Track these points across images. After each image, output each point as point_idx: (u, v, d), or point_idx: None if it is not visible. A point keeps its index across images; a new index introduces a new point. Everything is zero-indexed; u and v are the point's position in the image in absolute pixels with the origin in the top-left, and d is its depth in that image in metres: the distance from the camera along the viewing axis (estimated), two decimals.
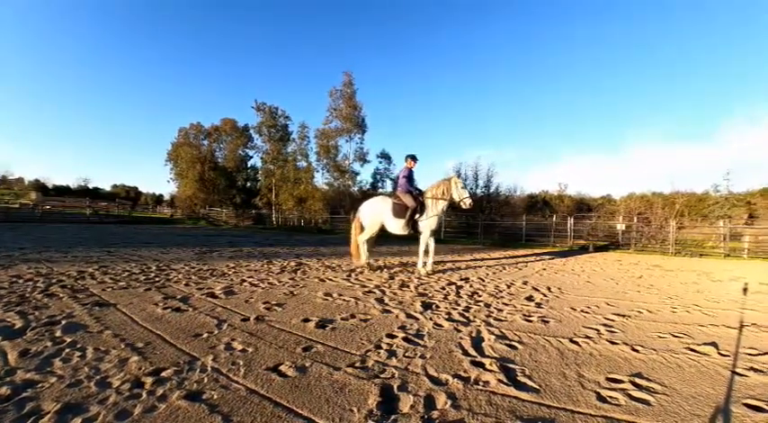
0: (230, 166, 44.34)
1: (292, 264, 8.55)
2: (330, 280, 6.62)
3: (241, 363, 2.86)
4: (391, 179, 39.07)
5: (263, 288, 5.76)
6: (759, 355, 3.49)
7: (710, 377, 2.95)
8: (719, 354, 3.48)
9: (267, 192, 37.57)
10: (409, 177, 8.07)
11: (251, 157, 46.50)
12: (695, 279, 8.52)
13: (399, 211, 7.89)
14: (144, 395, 2.32)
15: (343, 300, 5.15)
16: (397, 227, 7.92)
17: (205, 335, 3.49)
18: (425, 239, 7.91)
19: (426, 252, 8.07)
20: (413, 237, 8.41)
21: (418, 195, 7.96)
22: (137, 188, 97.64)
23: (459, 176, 8.10)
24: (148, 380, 2.52)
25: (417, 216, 7.81)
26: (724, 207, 25.20)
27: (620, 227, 19.84)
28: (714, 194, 26.92)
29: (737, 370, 3.09)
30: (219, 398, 2.33)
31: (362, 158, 35.97)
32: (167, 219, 42.35)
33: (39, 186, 73.67)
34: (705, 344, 3.73)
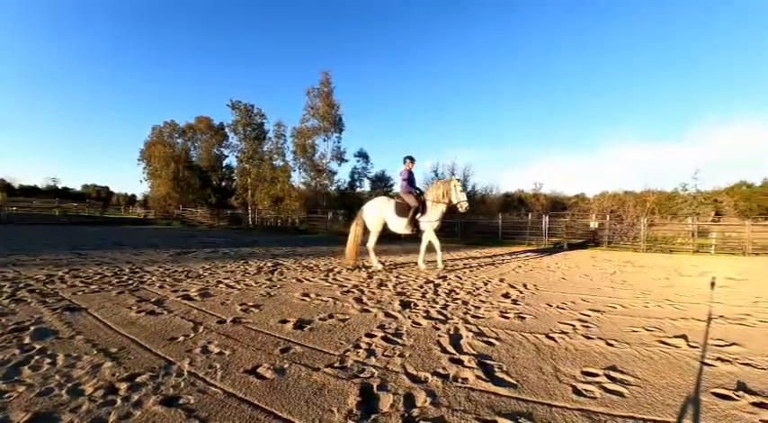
0: (205, 166, 43.47)
1: (269, 264, 8.45)
2: (308, 280, 6.57)
3: (218, 366, 2.82)
4: (369, 178, 39.01)
5: (239, 289, 5.69)
6: (726, 345, 3.63)
7: (681, 368, 3.05)
8: (689, 346, 3.60)
9: (243, 191, 36.82)
10: (409, 179, 8.39)
11: (226, 156, 45.69)
12: (666, 275, 8.78)
13: (402, 210, 8.16)
14: (119, 402, 2.26)
15: (322, 300, 5.12)
16: (400, 226, 8.18)
17: (181, 338, 3.43)
18: (427, 238, 8.20)
19: (432, 250, 8.45)
20: (413, 237, 8.76)
21: (419, 196, 8.28)
22: (108, 188, 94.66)
23: (458, 180, 8.19)
24: (123, 386, 2.46)
25: (419, 215, 8.07)
26: (692, 205, 26.15)
27: (594, 225, 20.29)
28: (683, 193, 27.91)
29: (706, 361, 3.21)
30: (197, 402, 2.29)
31: (340, 157, 35.79)
32: (140, 219, 41.27)
33: (4, 187, 70.93)
34: (676, 336, 3.85)
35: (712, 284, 7.18)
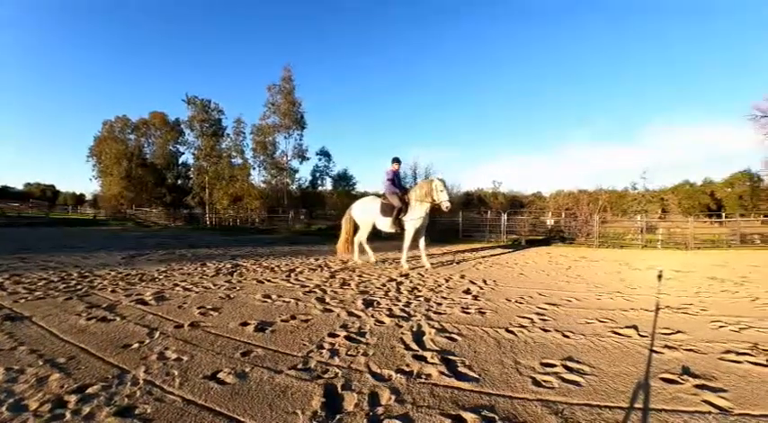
0: (160, 163, 41.79)
1: (228, 266, 8.23)
2: (269, 281, 6.45)
3: (176, 372, 2.72)
4: (331, 177, 38.74)
5: (197, 292, 5.51)
6: (672, 334, 3.86)
7: (632, 356, 3.22)
8: (639, 335, 3.80)
9: (200, 190, 35.42)
10: (393, 179, 8.63)
11: (182, 154, 44.02)
12: (617, 268, 9.20)
13: (387, 210, 8.44)
14: (68, 416, 2.13)
15: (283, 301, 5.04)
16: (386, 225, 8.49)
17: (135, 345, 3.28)
18: (409, 237, 8.29)
19: (415, 247, 8.57)
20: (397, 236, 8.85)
21: (403, 195, 8.45)
22: (54, 187, 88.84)
23: (441, 180, 8.16)
24: (72, 398, 2.33)
25: (402, 215, 8.24)
26: (641, 203, 27.59)
27: (550, 222, 20.97)
28: (633, 192, 29.36)
29: (655, 348, 3.40)
30: (154, 412, 2.20)
31: (302, 156, 35.29)
32: (90, 220, 38.98)
33: None
34: (627, 327, 4.05)
35: (659, 277, 7.57)
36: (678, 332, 3.89)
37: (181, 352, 3.13)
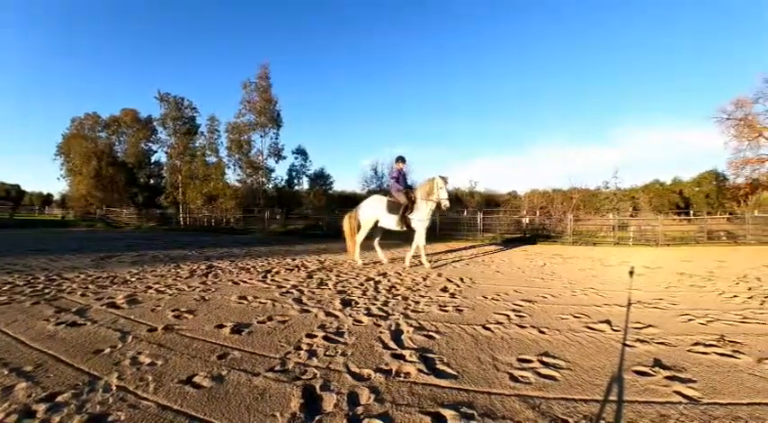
0: (131, 162, 40.70)
1: (203, 267, 8.08)
2: (244, 282, 6.36)
3: (150, 377, 2.65)
4: (308, 176, 38.46)
5: (170, 294, 5.39)
6: (644, 327, 3.98)
7: (606, 350, 3.31)
8: (612, 329, 3.90)
9: (173, 189, 34.49)
10: (398, 178, 8.77)
11: (155, 152, 43.05)
12: (590, 265, 9.42)
13: (393, 208, 8.48)
14: None
15: (260, 302, 4.98)
16: (392, 223, 8.51)
17: (107, 350, 3.19)
18: (422, 236, 8.40)
19: (417, 246, 8.55)
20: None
21: (408, 193, 8.56)
22: (19, 187, 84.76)
23: (442, 177, 8.19)
24: (41, 407, 2.24)
25: (409, 212, 8.30)
26: (613, 201, 28.41)
27: (525, 220, 21.27)
28: (605, 190, 30.16)
29: (627, 342, 3.50)
30: (128, 418, 2.14)
31: (277, 154, 34.92)
32: (58, 221, 37.32)
33: None
34: (600, 322, 4.15)
35: (631, 273, 7.78)
36: (649, 326, 4.02)
37: (155, 356, 3.05)
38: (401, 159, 8.87)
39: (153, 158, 43.65)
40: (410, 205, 8.35)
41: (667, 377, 2.73)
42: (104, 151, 39.09)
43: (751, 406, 2.35)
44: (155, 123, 39.11)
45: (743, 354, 3.21)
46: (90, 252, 10.97)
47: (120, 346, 3.30)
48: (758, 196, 26.29)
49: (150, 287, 5.84)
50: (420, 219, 8.27)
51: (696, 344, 3.45)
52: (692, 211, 31.51)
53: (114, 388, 2.49)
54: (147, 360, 2.97)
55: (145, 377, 2.66)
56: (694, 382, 2.66)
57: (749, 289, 6.21)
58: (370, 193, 34.30)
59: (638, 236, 18.49)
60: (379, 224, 8.77)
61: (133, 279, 6.53)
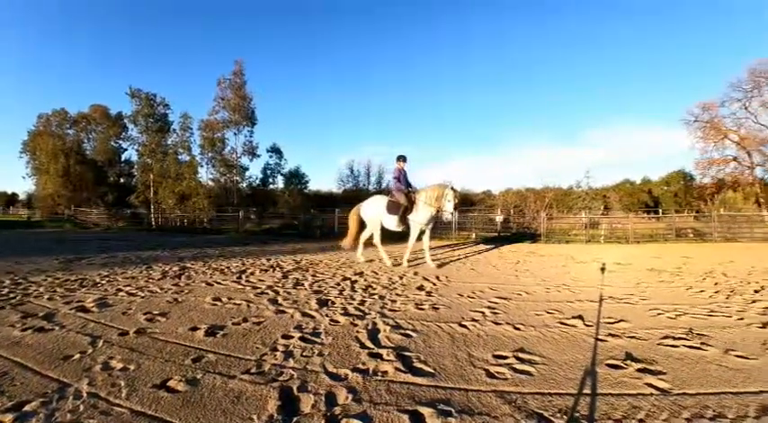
0: (101, 160, 39.47)
1: (175, 268, 7.90)
2: (218, 283, 6.26)
3: (122, 383, 2.58)
4: (282, 174, 38.05)
5: (142, 297, 5.26)
6: (615, 322, 4.10)
7: (579, 345, 3.39)
8: (585, 325, 4.01)
9: (144, 188, 33.50)
10: (399, 178, 8.61)
11: (125, 150, 42.02)
12: (563, 262, 9.62)
13: (393, 208, 8.37)
14: None
15: (234, 303, 4.90)
16: (391, 223, 8.44)
17: (77, 356, 3.09)
18: (413, 238, 8.36)
19: (417, 246, 8.58)
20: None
21: (410, 194, 8.44)
22: None
23: (453, 190, 8.01)
24: (7, 418, 2.15)
25: (408, 213, 8.30)
26: (585, 200, 29.05)
27: (499, 219, 21.58)
28: (577, 190, 30.89)
29: (600, 337, 3.60)
30: None
31: (252, 152, 34.54)
32: (24, 222, 35.87)
33: None
34: (573, 317, 4.25)
35: (602, 270, 7.97)
36: (621, 321, 4.14)
37: (127, 361, 2.98)
38: (402, 158, 8.74)
39: (123, 156, 42.67)
40: (410, 206, 8.26)
41: (638, 370, 2.82)
42: (73, 149, 37.76)
43: (718, 396, 2.45)
44: (125, 120, 38.13)
45: (710, 346, 3.35)
46: (58, 254, 10.59)
47: (90, 351, 3.20)
48: (723, 195, 27.33)
49: (121, 290, 5.69)
50: (418, 221, 8.21)
51: (666, 337, 3.58)
52: (660, 210, 32.61)
53: (85, 395, 2.41)
54: (119, 365, 2.89)
55: (117, 383, 2.59)
56: (664, 374, 2.76)
57: (715, 284, 6.45)
58: (346, 192, 34.26)
59: (610, 234, 19.01)
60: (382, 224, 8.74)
61: (103, 281, 6.35)
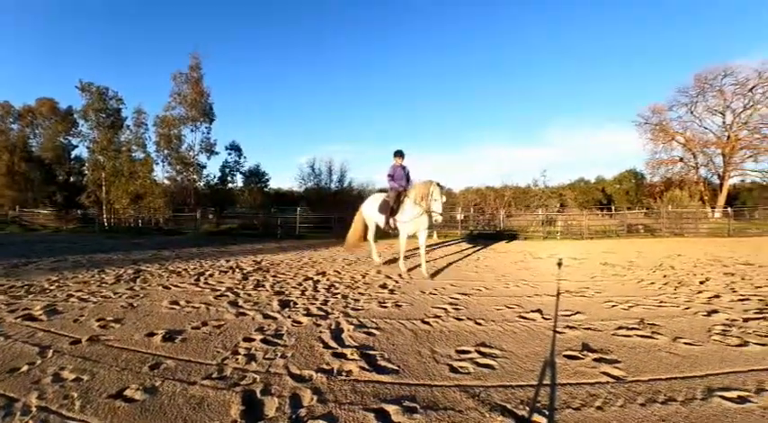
0: (49, 158, 37.12)
1: (130, 271, 7.59)
2: (176, 286, 6.06)
3: (75, 394, 2.46)
4: (242, 173, 37.06)
5: (95, 302, 5.02)
6: (572, 314, 4.28)
7: (538, 338, 3.52)
8: (544, 318, 4.15)
9: (96, 188, 31.64)
10: (393, 175, 7.94)
11: (75, 147, 39.50)
12: (522, 258, 9.89)
13: (383, 207, 7.86)
14: None
15: (193, 307, 4.77)
16: (382, 223, 7.92)
17: (25, 368, 2.91)
18: (403, 240, 7.52)
19: (403, 251, 7.73)
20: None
21: (400, 193, 7.67)
22: None
23: (440, 187, 7.00)
24: None
25: (396, 214, 7.55)
26: (542, 198, 30.08)
27: (460, 216, 21.92)
28: (534, 188, 31.92)
29: (558, 329, 3.75)
30: None
31: (210, 150, 33.33)
32: None
33: None
34: (532, 311, 4.40)
35: (559, 265, 8.25)
36: (577, 313, 4.31)
37: (80, 371, 2.84)
38: (398, 154, 8.05)
39: (73, 154, 40.20)
40: (396, 207, 7.55)
41: (595, 359, 2.96)
42: (17, 145, 35.57)
43: (669, 381, 2.62)
44: (75, 115, 35.70)
45: (660, 334, 3.56)
46: (1, 258, 9.98)
47: (39, 362, 3.03)
48: (671, 193, 28.73)
49: (72, 295, 5.42)
50: (402, 221, 7.38)
51: (620, 328, 3.76)
52: (613, 207, 34.11)
53: (34, 409, 2.28)
54: (72, 376, 2.76)
55: (69, 394, 2.46)
56: (619, 362, 2.91)
57: (664, 276, 6.81)
58: (308, 190, 33.89)
59: (566, 230, 19.67)
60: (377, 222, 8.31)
61: (52, 287, 6.02)
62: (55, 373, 2.79)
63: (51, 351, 3.27)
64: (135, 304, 4.93)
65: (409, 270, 7.57)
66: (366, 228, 8.90)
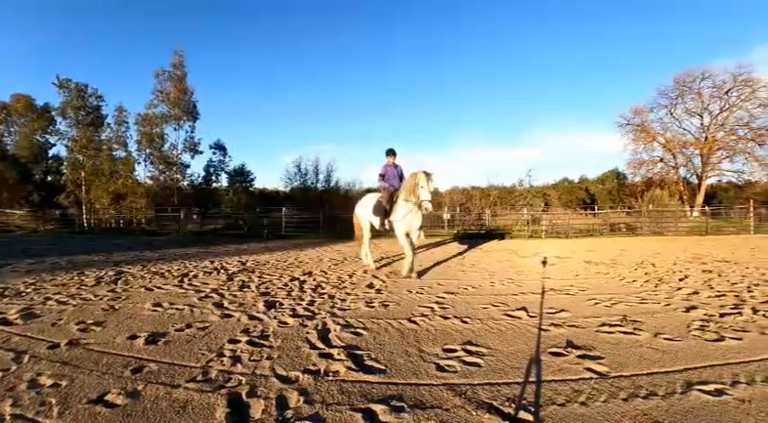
0: (25, 156, 36.14)
1: (111, 273, 7.42)
2: (159, 288, 5.95)
3: (53, 401, 2.38)
4: (227, 172, 36.69)
5: (74, 305, 4.89)
6: (556, 312, 4.33)
7: (524, 335, 3.54)
8: (529, 316, 4.19)
9: (75, 187, 31.16)
10: (385, 175, 7.70)
11: (53, 146, 38.70)
12: (507, 257, 9.97)
13: (378, 208, 7.57)
14: None
15: (176, 309, 4.69)
16: (377, 223, 7.64)
17: None
18: (402, 239, 7.17)
19: (411, 251, 7.25)
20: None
21: (392, 192, 7.44)
22: None
23: (426, 173, 6.62)
24: None
25: (389, 214, 7.29)
26: (527, 198, 30.51)
27: (446, 216, 22.06)
28: (519, 188, 32.34)
29: (543, 327, 3.78)
30: None
31: (193, 149, 33.03)
32: None
33: None
34: (518, 309, 4.44)
35: (544, 263, 8.34)
36: (562, 311, 4.36)
37: (58, 376, 2.75)
38: (390, 152, 7.82)
39: (51, 152, 39.30)
40: (389, 207, 7.30)
41: (579, 356, 3.00)
42: None
43: (650, 376, 2.66)
44: (53, 113, 35.01)
45: (642, 331, 3.62)
46: None
47: (14, 368, 2.93)
48: (652, 193, 29.33)
49: (50, 298, 5.27)
50: (395, 220, 7.10)
51: (603, 325, 3.81)
52: (596, 207, 34.57)
53: (8, 417, 2.20)
54: (49, 381, 2.67)
55: (47, 401, 2.38)
56: (602, 358, 2.94)
57: (646, 274, 6.94)
58: (294, 190, 33.66)
59: (550, 229, 19.96)
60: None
61: (29, 290, 5.86)
62: (31, 379, 2.70)
63: (27, 356, 3.16)
64: (116, 306, 4.82)
65: (393, 270, 7.58)
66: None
